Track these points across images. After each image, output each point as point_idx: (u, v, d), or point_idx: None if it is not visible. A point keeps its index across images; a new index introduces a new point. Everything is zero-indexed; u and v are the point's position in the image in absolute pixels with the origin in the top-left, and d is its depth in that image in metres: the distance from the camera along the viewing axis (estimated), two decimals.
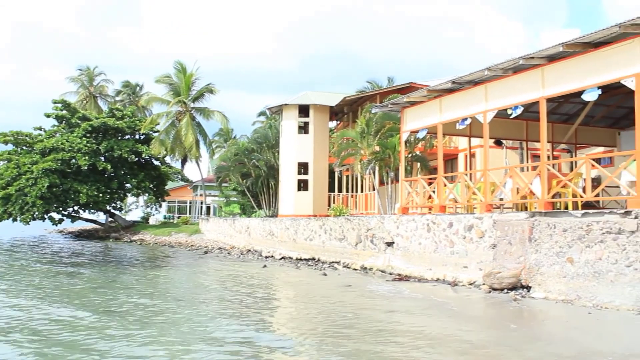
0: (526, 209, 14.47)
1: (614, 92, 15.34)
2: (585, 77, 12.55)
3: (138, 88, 60.74)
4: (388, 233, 17.83)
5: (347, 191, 35.27)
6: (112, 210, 48.26)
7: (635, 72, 11.32)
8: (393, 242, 17.59)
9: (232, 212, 43.20)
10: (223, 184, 43.94)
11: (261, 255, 25.58)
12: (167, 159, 48.45)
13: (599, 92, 12.47)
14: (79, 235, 49.69)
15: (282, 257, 23.92)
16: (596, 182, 14.28)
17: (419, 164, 25.19)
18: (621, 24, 11.01)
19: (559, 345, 8.00)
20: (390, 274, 16.84)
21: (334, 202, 31.86)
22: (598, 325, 9.26)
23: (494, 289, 12.83)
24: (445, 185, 17.07)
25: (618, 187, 12.57)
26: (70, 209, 45.28)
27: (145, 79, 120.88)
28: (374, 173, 25.94)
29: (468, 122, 16.29)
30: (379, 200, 26.28)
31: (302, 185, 30.82)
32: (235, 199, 44.70)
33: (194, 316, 10.77)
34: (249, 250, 28.03)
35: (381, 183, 27.29)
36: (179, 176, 52.90)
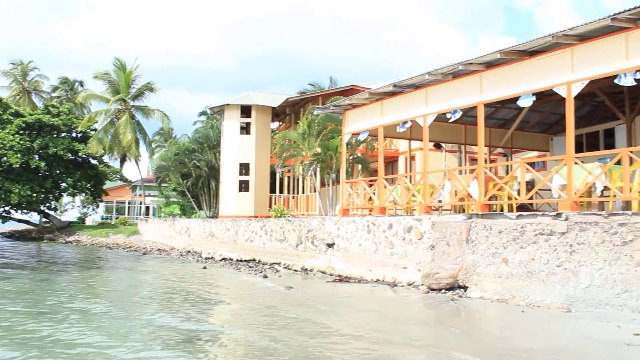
0: (464, 210, 14.80)
1: (548, 99, 15.86)
2: (521, 83, 12.96)
3: (77, 84, 59.17)
4: (329, 234, 17.93)
5: (289, 192, 35.30)
6: (47, 211, 46.71)
7: (567, 80, 11.77)
8: (334, 244, 17.71)
9: (172, 212, 42.57)
10: (163, 184, 43.26)
11: (201, 257, 25.32)
12: (105, 158, 47.37)
13: (534, 98, 12.90)
14: (10, 236, 47.88)
15: (223, 259, 23.73)
16: (530, 185, 14.71)
17: (360, 165, 25.45)
18: (554, 34, 11.43)
19: (493, 343, 8.23)
20: (331, 275, 16.94)
21: (275, 203, 31.83)
22: (531, 323, 9.56)
23: (432, 289, 13.09)
24: (385, 187, 17.29)
25: (550, 190, 12.99)
26: (1, 209, 43.58)
27: (84, 75, 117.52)
28: (315, 174, 26.05)
29: (408, 125, 16.55)
30: (320, 202, 26.41)
31: (244, 186, 30.68)
32: (175, 200, 44.07)
33: (130, 315, 10.61)
34: (189, 252, 27.71)
35: (322, 184, 27.43)
36: (118, 176, 51.76)
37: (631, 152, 11.13)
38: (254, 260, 21.95)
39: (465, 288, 12.79)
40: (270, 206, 30.88)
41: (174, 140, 42.71)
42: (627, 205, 11.91)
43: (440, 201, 15.99)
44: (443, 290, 12.90)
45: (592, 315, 9.73)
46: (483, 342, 8.50)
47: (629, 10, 10.23)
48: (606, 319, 9.33)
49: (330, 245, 17.84)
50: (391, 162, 29.28)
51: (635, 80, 10.81)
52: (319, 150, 24.38)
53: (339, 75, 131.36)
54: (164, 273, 19.23)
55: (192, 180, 37.05)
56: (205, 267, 20.65)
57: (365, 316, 10.78)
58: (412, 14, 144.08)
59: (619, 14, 10.37)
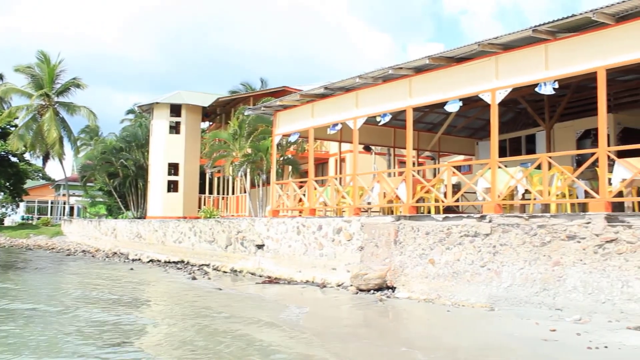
0: (392, 212, 15.07)
1: (474, 104, 16.38)
2: (448, 89, 13.34)
3: None
4: (258, 235, 17.91)
5: (218, 193, 35.05)
6: None
7: (492, 87, 12.21)
8: (263, 245, 17.70)
9: (98, 213, 41.51)
10: (88, 184, 42.07)
11: (128, 258, 24.80)
12: (27, 156, 45.57)
13: (460, 104, 13.31)
14: None
15: (150, 260, 23.32)
16: (456, 188, 15.16)
17: (290, 167, 25.57)
18: (480, 43, 11.83)
19: (420, 342, 8.45)
20: (261, 276, 16.92)
21: (204, 204, 31.56)
22: (456, 322, 9.85)
23: (361, 290, 13.27)
24: (315, 188, 17.42)
25: (475, 193, 13.41)
26: None
27: (3, 68, 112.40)
28: (245, 175, 26.00)
29: (339, 127, 16.73)
30: (250, 203, 26.35)
31: (172, 187, 30.24)
32: (101, 200, 42.97)
33: (53, 317, 10.30)
34: (115, 253, 27.09)
35: (252, 185, 27.38)
36: (40, 174, 50.01)
37: (550, 157, 11.66)
38: (183, 261, 21.68)
39: (393, 288, 13.04)
40: (199, 207, 30.58)
41: (100, 138, 41.55)
42: (546, 207, 12.47)
43: (369, 203, 16.23)
44: (372, 291, 13.10)
45: (514, 313, 10.13)
46: (410, 341, 8.69)
47: (548, 22, 10.71)
48: (526, 316, 9.73)
49: (260, 247, 17.82)
50: (321, 164, 29.52)
51: (554, 89, 11.33)
52: (249, 151, 24.32)
53: (271, 76, 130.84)
54: (89, 274, 18.71)
55: (120, 180, 36.20)
56: (132, 269, 20.23)
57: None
58: (346, 18, 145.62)
59: (539, 26, 10.84)
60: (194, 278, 17.14)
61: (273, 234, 17.36)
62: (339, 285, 14.29)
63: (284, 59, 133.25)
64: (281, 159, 24.20)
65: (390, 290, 13.03)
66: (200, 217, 25.14)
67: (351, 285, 13.67)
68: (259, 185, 25.47)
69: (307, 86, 22.37)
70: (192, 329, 9.54)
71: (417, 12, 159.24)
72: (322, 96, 17.05)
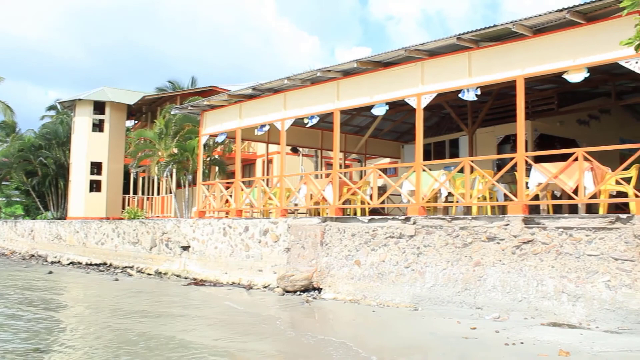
0: (319, 214, 15.18)
1: (400, 108, 16.71)
2: (375, 93, 13.57)
3: None
4: (184, 237, 17.67)
5: (143, 193, 34.34)
6: None
7: (417, 92, 12.50)
8: (189, 246, 17.47)
9: (14, 213, 39.83)
10: (4, 183, 40.23)
11: (46, 261, 23.93)
12: None
13: (387, 107, 13.57)
14: None
15: (71, 262, 22.58)
16: (382, 190, 15.41)
17: (217, 167, 25.33)
18: (407, 48, 12.10)
19: (346, 342, 8.55)
20: (186, 278, 16.70)
21: (128, 205, 30.80)
22: (381, 322, 10.02)
23: (288, 292, 13.30)
24: (242, 189, 17.34)
25: (400, 195, 13.67)
26: None
27: None
28: (171, 175, 25.59)
29: (267, 128, 16.72)
30: (175, 204, 25.94)
31: (95, 186, 29.40)
32: (18, 200, 41.24)
33: None
34: (33, 255, 26.06)
35: (178, 186, 26.98)
36: None
37: (472, 161, 12.05)
38: (105, 264, 21.10)
39: (319, 290, 13.13)
40: (123, 207, 29.83)
41: (18, 135, 39.85)
42: (468, 210, 12.87)
43: (296, 205, 16.29)
44: (298, 292, 13.15)
45: (436, 312, 10.40)
46: (335, 343, 8.79)
47: (472, 31, 11.08)
48: (448, 315, 10.01)
49: (185, 248, 17.58)
50: (249, 165, 29.40)
51: (476, 95, 11.73)
52: (175, 150, 23.95)
53: (199, 75, 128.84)
54: (2, 277, 17.94)
55: (38, 179, 34.83)
56: (51, 272, 19.50)
57: (216, 314, 10.76)
58: (274, 20, 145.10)
59: (463, 34, 11.19)
60: (116, 279, 16.73)
61: (199, 236, 17.16)
62: (265, 287, 14.27)
63: (212, 59, 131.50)
64: (208, 159, 23.94)
65: (316, 291, 13.12)
66: (124, 218, 24.53)
67: (278, 287, 13.68)
68: (185, 186, 25.11)
69: (236, 86, 22.25)
70: (106, 329, 9.34)
71: (346, 16, 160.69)
72: (250, 97, 17.00)
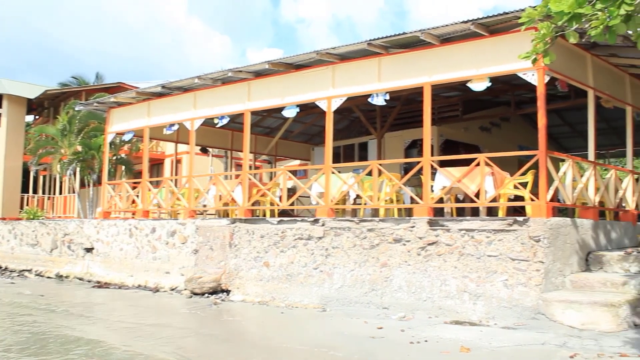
0: (228, 215, 15.05)
1: (311, 111, 16.83)
2: (286, 95, 13.61)
3: None
4: (88, 238, 17.06)
5: (44, 193, 32.89)
6: None
7: (328, 95, 12.64)
8: (93, 248, 16.88)
9: None
10: None
11: None
12: None
13: (297, 110, 13.64)
14: None
15: None
16: (292, 192, 15.46)
17: (123, 167, 24.65)
18: (318, 52, 12.20)
19: (254, 344, 8.54)
20: (89, 281, 16.13)
21: (27, 204, 29.39)
22: (289, 323, 10.07)
23: (196, 294, 13.11)
24: (149, 190, 16.93)
25: (310, 197, 13.77)
26: None
27: None
28: (75, 174, 24.67)
29: (176, 128, 16.41)
30: (79, 204, 25.02)
31: None
32: None
33: None
34: None
35: (82, 185, 26.06)
36: None
37: (380, 164, 12.30)
38: (0, 267, 20.05)
39: (228, 292, 13.02)
40: (21, 207, 28.41)
41: None
42: (375, 212, 13.15)
43: (205, 205, 16.09)
44: (206, 295, 12.99)
45: (344, 312, 10.55)
46: (244, 344, 8.76)
47: (382, 38, 11.32)
48: (356, 315, 10.18)
49: (89, 250, 16.98)
50: (157, 165, 28.82)
51: (385, 100, 11.99)
52: (79, 148, 23.13)
53: (106, 70, 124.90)
54: None
55: None
56: None
57: (124, 317, 10.48)
58: (184, 19, 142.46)
59: (374, 40, 11.41)
60: (12, 283, 15.93)
61: (103, 237, 16.62)
62: (172, 289, 14.01)
63: (119, 52, 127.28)
64: (114, 158, 23.26)
65: (225, 293, 13.01)
66: (22, 219, 23.40)
67: (185, 289, 13.46)
68: (89, 185, 24.26)
69: (144, 84, 21.73)
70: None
71: (258, 17, 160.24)
72: (160, 95, 16.63)
